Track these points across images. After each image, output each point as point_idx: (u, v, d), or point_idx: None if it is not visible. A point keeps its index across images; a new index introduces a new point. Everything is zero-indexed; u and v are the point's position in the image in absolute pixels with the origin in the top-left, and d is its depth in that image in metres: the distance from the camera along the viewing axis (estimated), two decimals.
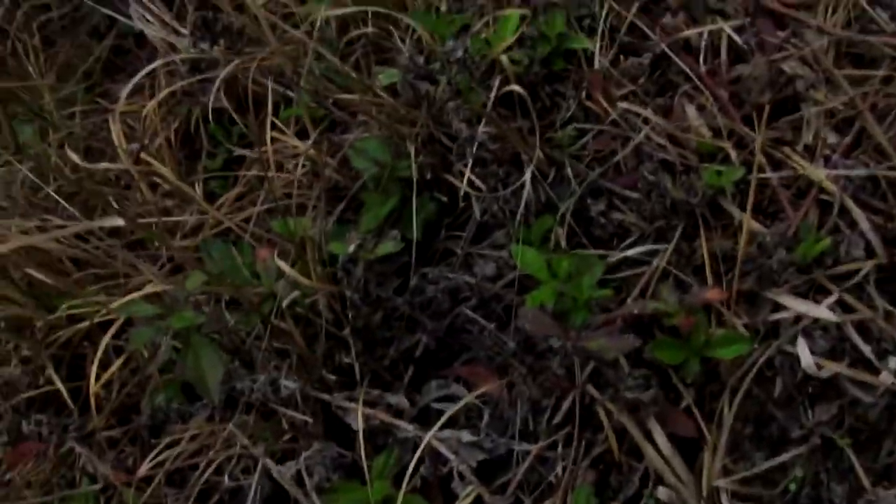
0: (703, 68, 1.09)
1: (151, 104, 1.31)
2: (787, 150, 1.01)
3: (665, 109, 1.09)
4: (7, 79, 1.56)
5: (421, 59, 1.01)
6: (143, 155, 1.29)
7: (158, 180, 1.32)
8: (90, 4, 1.51)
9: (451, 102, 0.98)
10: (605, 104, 1.10)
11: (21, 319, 1.16)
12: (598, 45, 1.16)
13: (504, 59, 1.06)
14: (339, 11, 1.19)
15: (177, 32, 1.38)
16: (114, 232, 1.33)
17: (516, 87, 1.06)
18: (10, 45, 1.56)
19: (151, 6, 1.39)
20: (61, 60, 1.59)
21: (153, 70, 1.49)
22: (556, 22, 1.16)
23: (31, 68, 1.51)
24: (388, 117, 1.09)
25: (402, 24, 1.26)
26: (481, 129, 1.04)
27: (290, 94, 1.23)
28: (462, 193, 1.06)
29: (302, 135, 1.28)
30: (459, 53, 1.00)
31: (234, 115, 1.30)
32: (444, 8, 1.31)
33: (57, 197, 1.28)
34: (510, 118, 1.12)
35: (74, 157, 1.17)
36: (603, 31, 1.17)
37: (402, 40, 1.23)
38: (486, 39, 1.11)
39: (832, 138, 0.99)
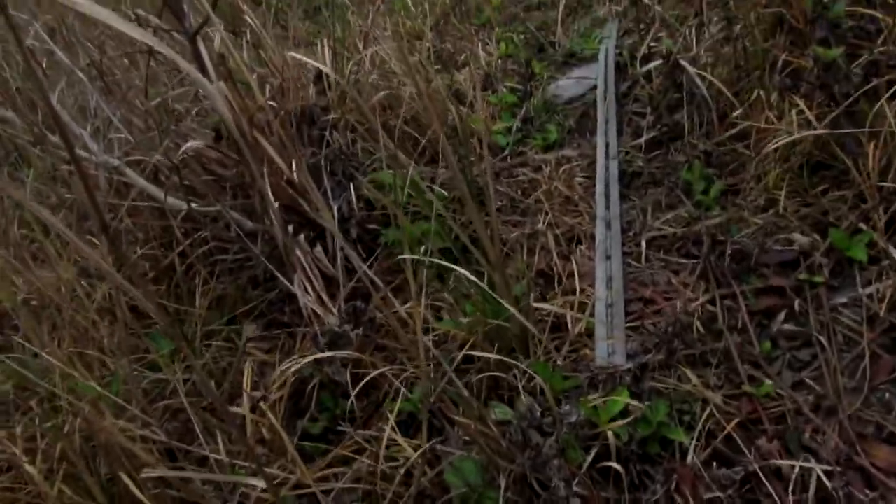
0: (790, 499, 1.15)
1: (290, 366, 1.45)
2: None
3: None
4: (167, 297, 1.79)
5: (538, 412, 1.12)
6: (261, 404, 1.43)
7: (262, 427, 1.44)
8: (261, 258, 1.75)
9: (556, 460, 1.06)
10: (691, 501, 1.16)
11: None
12: (693, 444, 1.25)
13: (610, 434, 1.16)
14: (470, 353, 1.35)
15: (328, 308, 1.58)
16: (203, 460, 1.42)
17: (615, 464, 1.14)
18: (183, 270, 1.81)
19: (314, 281, 1.63)
20: (217, 294, 1.81)
21: (292, 330, 1.70)
22: (660, 410, 1.27)
23: (196, 294, 1.73)
24: (491, 448, 1.19)
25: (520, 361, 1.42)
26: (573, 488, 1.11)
27: (408, 392, 1.36)
28: None
29: (404, 426, 1.38)
30: (573, 419, 1.11)
31: (350, 393, 1.42)
32: (560, 362, 1.47)
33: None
34: (601, 485, 1.19)
35: (213, 390, 1.29)
36: (700, 432, 1.27)
37: (517, 377, 1.37)
38: (596, 409, 1.23)
39: None
